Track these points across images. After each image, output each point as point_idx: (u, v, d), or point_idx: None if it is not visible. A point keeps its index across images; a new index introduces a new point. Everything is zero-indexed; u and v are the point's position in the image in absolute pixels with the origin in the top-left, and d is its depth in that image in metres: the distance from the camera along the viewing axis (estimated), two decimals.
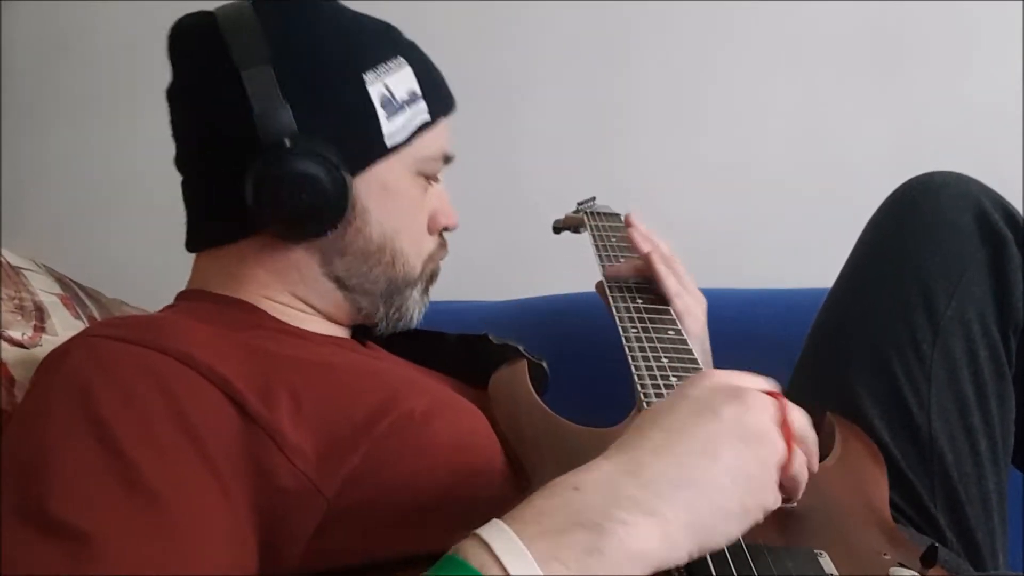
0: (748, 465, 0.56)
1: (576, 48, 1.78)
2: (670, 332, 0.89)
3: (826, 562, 0.60)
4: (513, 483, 0.73)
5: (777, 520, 0.63)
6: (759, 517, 0.56)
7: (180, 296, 0.87)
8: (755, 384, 0.60)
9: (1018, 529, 1.00)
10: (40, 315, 0.89)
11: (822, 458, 0.81)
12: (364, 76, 0.83)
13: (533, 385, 0.87)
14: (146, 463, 0.58)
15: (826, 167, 1.71)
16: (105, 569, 0.52)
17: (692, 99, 1.76)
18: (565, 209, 1.26)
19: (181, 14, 0.90)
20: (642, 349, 0.85)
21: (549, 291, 1.42)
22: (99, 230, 1.73)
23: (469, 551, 0.50)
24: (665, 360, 0.83)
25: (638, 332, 0.88)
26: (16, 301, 0.87)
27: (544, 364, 0.96)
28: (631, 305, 0.95)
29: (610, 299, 0.96)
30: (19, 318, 0.85)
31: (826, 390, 0.95)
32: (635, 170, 1.75)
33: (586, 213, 1.18)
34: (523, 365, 0.91)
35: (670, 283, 0.97)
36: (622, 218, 1.18)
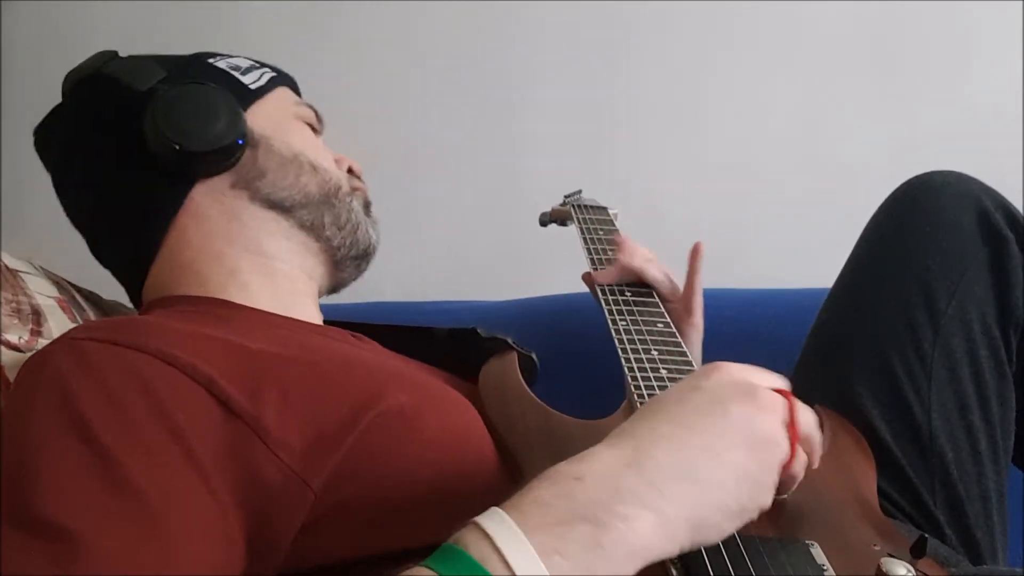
0: (751, 467, 0.56)
1: (576, 48, 1.78)
2: (659, 324, 0.89)
3: (817, 553, 0.60)
4: (504, 475, 0.73)
5: (769, 512, 0.63)
6: (754, 516, 0.56)
7: (151, 305, 0.88)
8: (767, 381, 0.60)
9: (1018, 528, 1.00)
10: (37, 318, 0.88)
11: None
12: (208, 60, 0.93)
13: (523, 377, 0.87)
14: (131, 462, 0.58)
15: (826, 167, 1.71)
16: (92, 569, 0.52)
17: (692, 99, 1.76)
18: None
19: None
20: (631, 342, 0.85)
21: (548, 291, 1.42)
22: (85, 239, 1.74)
23: (470, 542, 0.49)
24: (655, 352, 0.83)
25: (627, 324, 0.89)
26: (13, 304, 0.87)
27: (533, 356, 0.96)
28: (620, 298, 0.95)
29: (598, 291, 0.97)
30: (16, 321, 0.85)
31: (826, 389, 0.95)
32: (635, 170, 1.75)
33: (573, 206, 1.18)
34: (513, 357, 0.91)
35: (651, 269, 0.99)
36: (609, 211, 1.17)
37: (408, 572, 0.49)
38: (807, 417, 0.62)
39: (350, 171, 0.97)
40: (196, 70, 0.91)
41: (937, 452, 0.90)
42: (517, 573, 0.47)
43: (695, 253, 1.00)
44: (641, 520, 0.51)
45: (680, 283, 1.02)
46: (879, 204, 1.02)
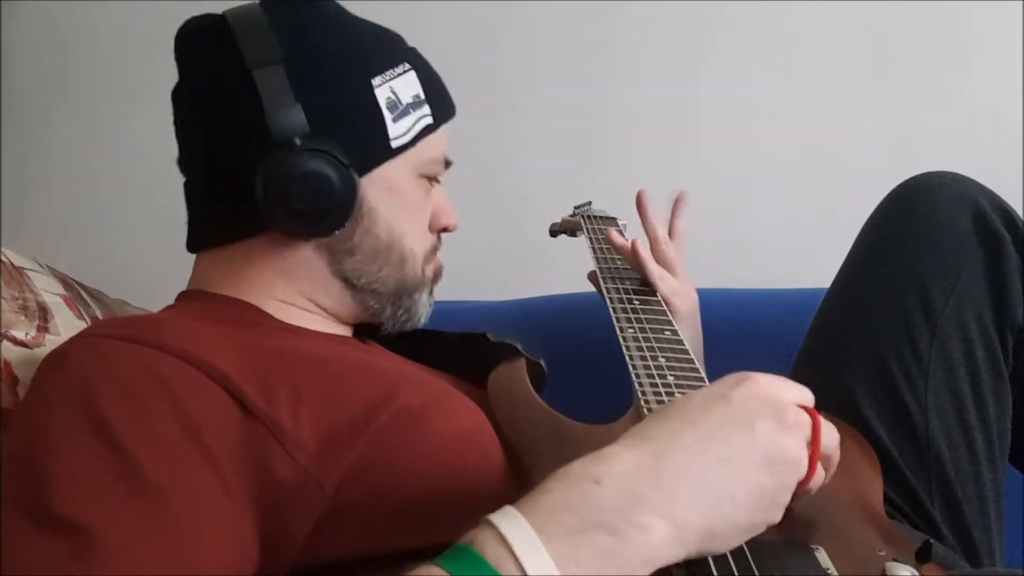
0: (768, 486, 0.56)
1: (575, 49, 1.78)
2: (666, 332, 0.90)
3: (823, 557, 0.60)
4: (512, 478, 0.74)
5: None
6: (762, 529, 0.57)
7: (180, 296, 0.88)
8: (794, 396, 0.60)
9: (1017, 527, 1.00)
10: (43, 315, 0.89)
11: None
12: (372, 80, 0.84)
13: (531, 383, 0.88)
14: (147, 459, 0.58)
15: (824, 168, 1.71)
16: (108, 565, 0.53)
17: (691, 99, 1.76)
18: (565, 209, 1.27)
19: (181, 15, 0.90)
20: (639, 349, 0.86)
21: (549, 291, 1.43)
22: (101, 230, 1.73)
23: (485, 544, 0.49)
24: (663, 359, 0.84)
25: (635, 332, 0.89)
26: (19, 301, 0.88)
27: (542, 362, 0.96)
28: (627, 306, 0.96)
29: (605, 293, 0.98)
30: (22, 318, 0.86)
31: (824, 389, 0.94)
32: (634, 170, 1.75)
33: (583, 217, 1.19)
34: (521, 363, 0.91)
35: (651, 267, 1.01)
36: (618, 222, 1.18)
37: (419, 571, 0.49)
38: (830, 436, 0.61)
39: (444, 230, 0.94)
40: (345, 105, 0.83)
41: (934, 452, 0.90)
42: None
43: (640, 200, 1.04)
44: (656, 529, 0.51)
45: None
46: (876, 205, 1.03)
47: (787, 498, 0.57)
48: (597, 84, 1.78)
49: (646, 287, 1.00)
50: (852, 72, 1.71)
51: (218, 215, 0.86)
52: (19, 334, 0.83)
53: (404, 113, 0.86)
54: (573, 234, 1.24)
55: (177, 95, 0.88)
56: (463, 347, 0.97)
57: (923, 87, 1.69)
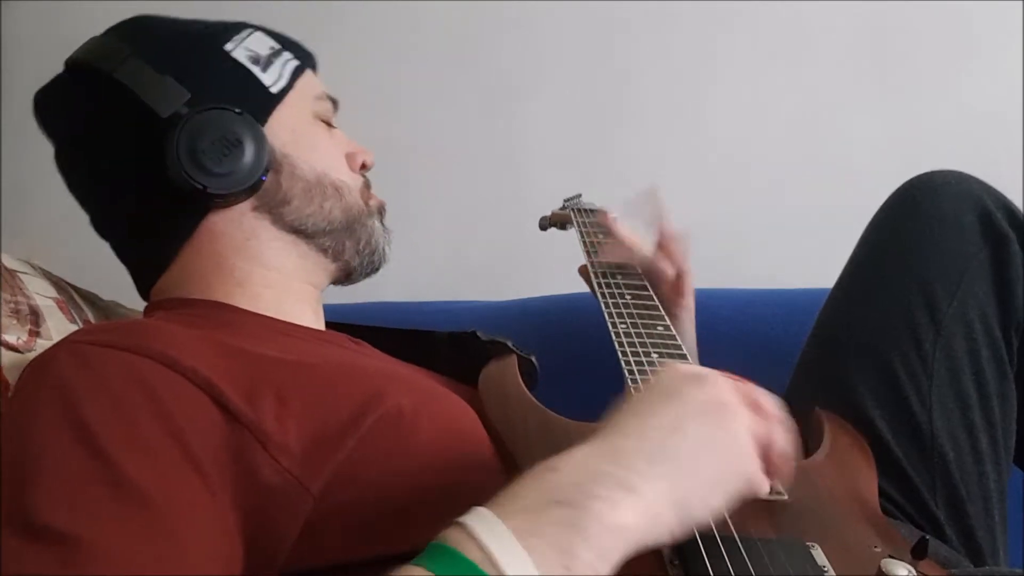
0: (715, 433, 0.58)
1: (575, 48, 1.78)
2: (659, 327, 0.89)
3: (818, 554, 0.60)
4: (504, 478, 0.73)
5: (769, 513, 0.65)
6: (741, 487, 0.57)
7: (151, 307, 0.88)
8: (709, 371, 0.63)
9: (1019, 527, 1.00)
10: (35, 319, 0.88)
11: (811, 453, 0.81)
12: (224, 47, 0.87)
13: (523, 380, 0.87)
14: (132, 466, 0.58)
15: (827, 167, 1.71)
16: (92, 571, 0.52)
17: (691, 99, 1.76)
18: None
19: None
20: (631, 345, 0.85)
21: (548, 291, 1.42)
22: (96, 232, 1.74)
23: (449, 535, 0.51)
24: (655, 355, 0.83)
25: (627, 328, 0.89)
26: (12, 305, 0.87)
27: (533, 359, 0.96)
28: (619, 301, 0.95)
29: (596, 288, 0.97)
30: (14, 322, 0.85)
31: (827, 389, 0.95)
32: (635, 170, 1.75)
33: (572, 210, 1.19)
34: (513, 360, 0.91)
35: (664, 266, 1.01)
36: (608, 215, 1.18)
37: (397, 572, 0.50)
38: (767, 398, 0.63)
39: (363, 167, 0.95)
40: (213, 72, 0.86)
41: (938, 452, 0.90)
42: (492, 552, 0.48)
43: (665, 232, 1.02)
44: (618, 501, 0.52)
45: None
46: (880, 204, 1.02)
47: (745, 443, 0.58)
48: (598, 84, 1.78)
49: (637, 282, 0.99)
50: (853, 72, 1.71)
51: (154, 236, 0.86)
52: (11, 338, 0.83)
53: (268, 63, 0.89)
54: (563, 227, 1.24)
55: (61, 158, 0.90)
56: (453, 346, 0.97)
57: (924, 87, 1.69)
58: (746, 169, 1.73)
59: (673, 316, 0.97)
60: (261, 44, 0.90)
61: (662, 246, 1.02)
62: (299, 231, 0.87)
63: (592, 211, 1.19)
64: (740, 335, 0.99)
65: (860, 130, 1.70)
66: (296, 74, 0.90)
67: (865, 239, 1.02)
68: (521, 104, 1.78)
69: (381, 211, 0.95)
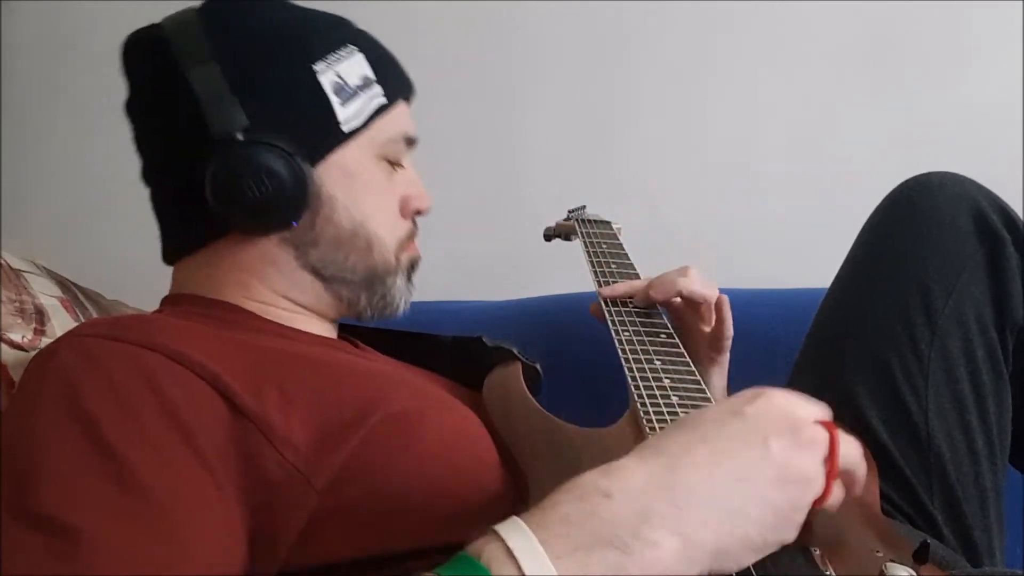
0: (782, 505, 0.55)
1: (575, 49, 1.78)
2: (662, 335, 0.89)
3: (820, 558, 0.60)
4: (506, 482, 0.74)
5: None
6: (774, 550, 0.56)
7: (164, 301, 0.87)
8: (811, 413, 0.59)
9: (1017, 528, 1.00)
10: (40, 318, 0.89)
11: None
12: (314, 67, 0.83)
13: (527, 386, 0.88)
14: (136, 459, 0.58)
15: (824, 167, 1.71)
16: (96, 565, 0.53)
17: (691, 100, 1.76)
18: (564, 209, 1.27)
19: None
20: (634, 352, 0.85)
21: (548, 291, 1.42)
22: (100, 232, 1.72)
23: (492, 558, 0.49)
24: (658, 362, 0.83)
25: (630, 335, 0.88)
26: (17, 304, 0.88)
27: (538, 366, 0.96)
28: (623, 309, 0.95)
29: (609, 320, 0.95)
30: (19, 321, 0.86)
31: (824, 389, 0.95)
32: (634, 170, 1.75)
33: (577, 220, 1.19)
34: (517, 367, 0.91)
35: (729, 323, 0.96)
36: (612, 225, 1.18)
37: None
38: (849, 451, 0.60)
39: (417, 213, 0.91)
40: (288, 94, 0.82)
41: (934, 451, 0.90)
42: None
43: (720, 307, 0.95)
44: (666, 546, 0.51)
45: None
46: (877, 205, 1.02)
47: (802, 516, 0.56)
48: (599, 84, 1.78)
49: (657, 320, 0.96)
50: (852, 72, 1.71)
51: (182, 222, 0.86)
52: (16, 337, 0.83)
53: (353, 96, 0.84)
54: (567, 238, 1.24)
55: (128, 108, 0.88)
56: (458, 350, 0.96)
57: (924, 87, 1.69)
58: (746, 169, 1.73)
59: (703, 367, 0.93)
60: (354, 71, 0.85)
61: (710, 310, 0.97)
62: (318, 273, 0.85)
63: (597, 222, 1.19)
64: (740, 335, 0.99)
65: (860, 130, 1.70)
66: (377, 113, 0.86)
67: (861, 240, 1.02)
68: (522, 104, 1.78)
69: (412, 266, 0.92)
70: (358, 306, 0.88)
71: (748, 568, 0.57)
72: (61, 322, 0.91)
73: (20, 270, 0.95)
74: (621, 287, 0.98)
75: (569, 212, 1.24)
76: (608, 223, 1.19)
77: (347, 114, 0.83)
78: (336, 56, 0.84)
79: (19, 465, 0.59)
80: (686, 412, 0.74)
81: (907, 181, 1.00)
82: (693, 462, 0.54)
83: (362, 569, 0.67)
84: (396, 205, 0.89)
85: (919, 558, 0.62)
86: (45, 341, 0.85)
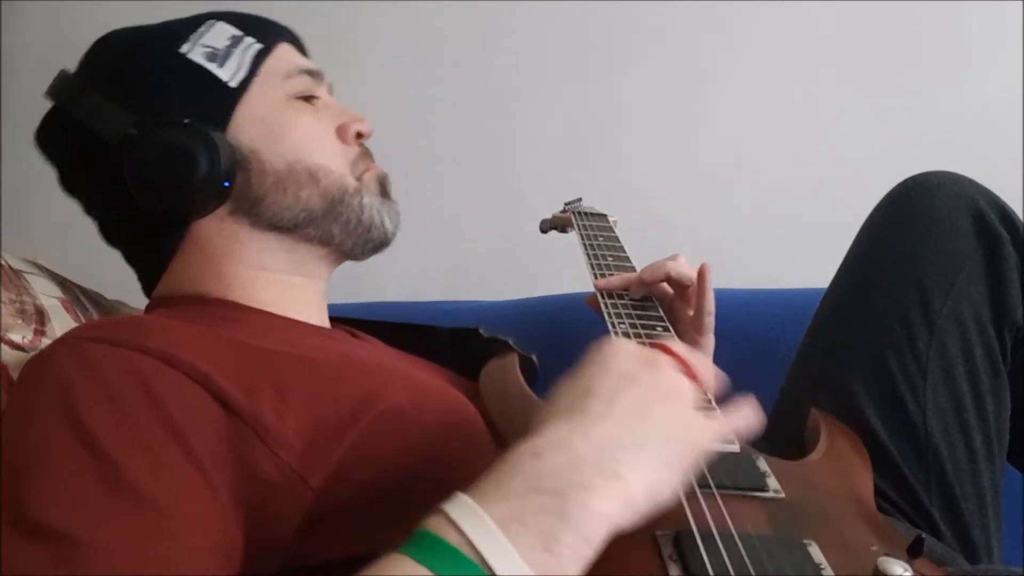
0: (677, 417, 0.58)
1: (573, 49, 1.78)
2: (658, 328, 0.89)
3: (815, 552, 0.60)
4: None
5: (766, 511, 0.65)
6: (698, 460, 0.58)
7: (157, 301, 0.88)
8: (643, 347, 0.64)
9: (1016, 526, 1.00)
10: (41, 318, 0.89)
11: (807, 452, 0.81)
12: (180, 50, 0.85)
13: (524, 378, 0.88)
14: (130, 463, 0.58)
15: (823, 167, 1.71)
16: (91, 568, 0.52)
17: (690, 100, 1.76)
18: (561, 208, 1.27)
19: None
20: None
21: (548, 291, 1.43)
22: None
23: (431, 522, 0.51)
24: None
25: (626, 328, 0.88)
26: (17, 304, 0.88)
27: (534, 357, 0.96)
28: (619, 301, 0.95)
29: (605, 313, 0.95)
30: (20, 321, 0.86)
31: (823, 388, 0.96)
32: (633, 170, 1.76)
33: (573, 213, 1.19)
34: (513, 358, 0.91)
35: (710, 297, 0.97)
36: (608, 218, 1.18)
37: (379, 560, 0.51)
38: (680, 347, 0.65)
39: (359, 136, 0.90)
40: (165, 82, 0.85)
41: (932, 450, 0.90)
42: (472, 539, 0.49)
43: (701, 275, 0.95)
44: (601, 488, 0.52)
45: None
46: (876, 204, 1.03)
47: (695, 417, 0.59)
48: (596, 84, 1.78)
49: (653, 311, 0.96)
50: (851, 72, 1.71)
51: (144, 250, 0.88)
52: (16, 337, 0.83)
53: (227, 55, 0.86)
54: (564, 230, 1.24)
55: (65, 189, 0.92)
56: (455, 342, 0.97)
57: (923, 87, 1.69)
58: (745, 169, 1.73)
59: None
60: (219, 36, 0.87)
61: (695, 294, 0.97)
62: (279, 227, 0.85)
63: (593, 214, 1.19)
64: (739, 335, 0.99)
65: (859, 130, 1.71)
66: (259, 58, 0.87)
67: (860, 239, 1.02)
68: (520, 105, 1.79)
69: (382, 183, 0.91)
70: (334, 241, 0.87)
71: (745, 564, 0.57)
72: (62, 322, 0.91)
73: (20, 270, 0.95)
74: (616, 280, 0.98)
75: (565, 204, 1.24)
76: (604, 215, 1.19)
77: (229, 72, 0.85)
78: (198, 33, 0.87)
79: (13, 469, 0.59)
80: None
81: (906, 180, 1.00)
82: (596, 414, 0.57)
83: (359, 566, 0.67)
84: (331, 134, 0.89)
85: (913, 552, 0.62)
86: (45, 341, 0.85)
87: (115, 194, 0.83)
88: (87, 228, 0.92)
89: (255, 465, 0.64)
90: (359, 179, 0.88)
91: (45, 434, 0.60)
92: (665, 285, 0.98)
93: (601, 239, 1.10)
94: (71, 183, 0.91)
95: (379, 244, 0.90)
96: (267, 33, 0.90)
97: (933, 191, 0.98)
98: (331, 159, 0.87)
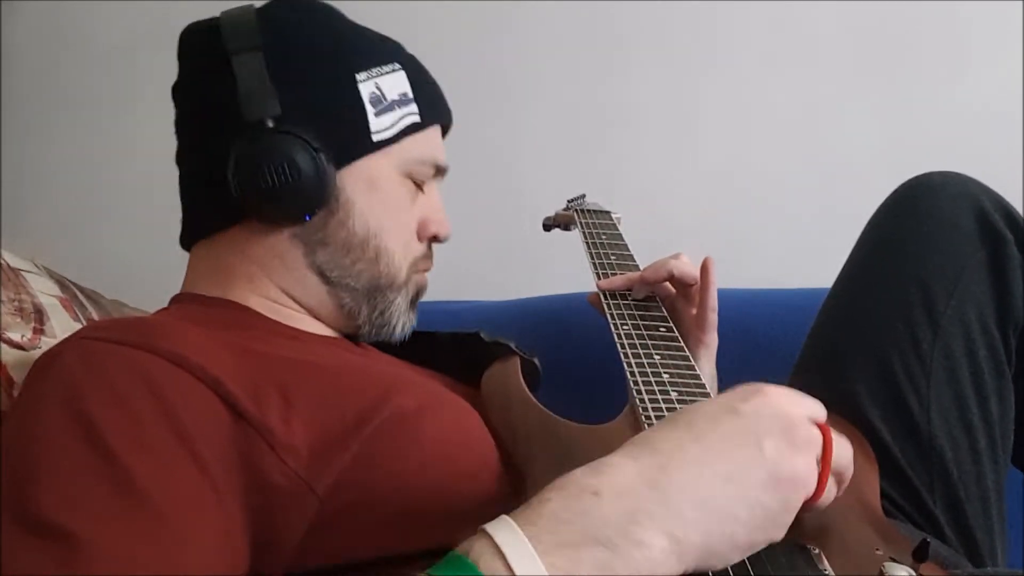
0: (772, 505, 0.55)
1: (574, 49, 1.78)
2: (661, 329, 0.89)
3: (819, 557, 0.60)
4: (506, 479, 0.73)
5: None
6: (762, 547, 0.56)
7: (173, 300, 0.88)
8: (807, 412, 0.59)
9: (1018, 528, 1.00)
10: (39, 317, 0.89)
11: None
12: (356, 75, 0.85)
13: (525, 381, 0.88)
14: (136, 464, 0.58)
15: (825, 168, 1.71)
16: (93, 569, 0.52)
17: (690, 99, 1.76)
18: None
19: (180, 14, 0.90)
20: (633, 346, 0.85)
21: (548, 291, 1.42)
22: (99, 231, 1.73)
23: (481, 555, 0.49)
24: (657, 357, 0.83)
25: (628, 329, 0.88)
26: (16, 303, 0.87)
27: (536, 360, 0.96)
28: (622, 302, 0.95)
29: (607, 313, 0.95)
30: (19, 320, 0.86)
31: (826, 389, 0.94)
32: (634, 170, 1.75)
33: (576, 211, 1.19)
34: (515, 362, 0.91)
35: (713, 292, 0.96)
36: (612, 215, 1.18)
37: None
38: (841, 452, 0.60)
39: (434, 239, 0.92)
40: (327, 96, 0.84)
41: (936, 452, 0.90)
42: None
43: (705, 270, 0.95)
44: (654, 545, 0.51)
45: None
46: (879, 204, 1.02)
47: (791, 516, 0.56)
48: (597, 83, 1.78)
49: (656, 311, 0.96)
50: (852, 72, 1.71)
51: (202, 204, 0.87)
52: (15, 336, 0.83)
53: (388, 109, 0.86)
54: (567, 228, 1.24)
55: (173, 91, 0.90)
56: (456, 347, 0.96)
57: (923, 87, 1.69)
58: (745, 169, 1.73)
59: (692, 351, 0.93)
60: (393, 87, 0.87)
61: (699, 292, 0.97)
62: (323, 275, 0.86)
63: (596, 212, 1.19)
64: (740, 335, 0.99)
65: (860, 130, 1.70)
66: (408, 131, 0.87)
67: (864, 239, 1.02)
68: (521, 104, 1.79)
69: (419, 292, 0.92)
70: (357, 319, 0.88)
71: (746, 567, 0.57)
72: (60, 321, 0.91)
73: (19, 269, 0.95)
74: (619, 280, 0.98)
75: (568, 202, 1.24)
76: (608, 213, 1.19)
77: (379, 125, 0.85)
78: (379, 70, 0.87)
79: (19, 467, 0.59)
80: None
81: (910, 181, 1.00)
82: (684, 460, 0.54)
83: (364, 572, 0.66)
84: (414, 225, 0.90)
85: (918, 556, 0.61)
86: (45, 340, 0.85)
87: (213, 146, 0.82)
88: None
89: (262, 471, 0.64)
90: (407, 278, 0.90)
91: (51, 433, 0.60)
92: (667, 284, 0.98)
93: (604, 237, 1.10)
94: (183, 93, 0.89)
95: (383, 339, 0.91)
96: (431, 109, 0.91)
97: (937, 191, 0.98)
98: (400, 249, 0.88)
